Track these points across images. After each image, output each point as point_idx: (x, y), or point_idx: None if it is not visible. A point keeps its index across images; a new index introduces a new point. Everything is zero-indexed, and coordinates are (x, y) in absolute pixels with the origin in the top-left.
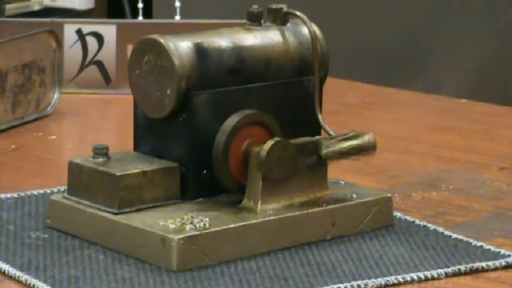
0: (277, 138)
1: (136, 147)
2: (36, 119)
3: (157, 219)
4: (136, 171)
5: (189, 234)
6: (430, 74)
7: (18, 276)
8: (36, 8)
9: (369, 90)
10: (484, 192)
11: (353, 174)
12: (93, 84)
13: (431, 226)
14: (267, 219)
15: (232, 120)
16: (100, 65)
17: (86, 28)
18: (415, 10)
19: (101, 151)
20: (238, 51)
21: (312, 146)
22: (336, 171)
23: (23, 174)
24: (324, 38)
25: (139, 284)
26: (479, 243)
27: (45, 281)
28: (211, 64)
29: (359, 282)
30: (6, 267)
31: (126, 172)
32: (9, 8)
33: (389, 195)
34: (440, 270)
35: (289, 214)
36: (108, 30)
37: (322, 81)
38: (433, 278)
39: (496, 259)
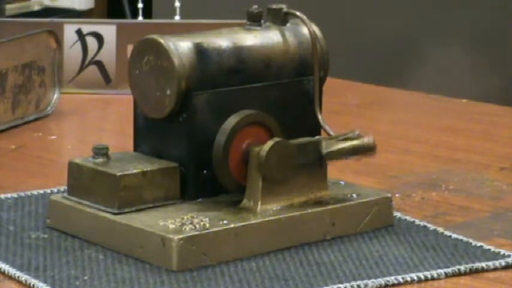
0: (277, 138)
1: (137, 147)
2: (36, 119)
3: (157, 219)
4: (136, 171)
5: (189, 235)
6: (429, 74)
7: (18, 276)
8: (36, 8)
9: (369, 90)
10: (484, 192)
11: (353, 174)
12: (93, 84)
13: (431, 226)
14: (267, 219)
15: (232, 120)
16: (100, 65)
17: (86, 28)
18: (415, 10)
19: (101, 151)
20: (238, 51)
21: (312, 146)
22: (336, 171)
23: (23, 174)
24: (324, 38)
25: (139, 284)
26: (479, 244)
27: (45, 281)
28: (211, 64)
29: (359, 282)
30: (6, 267)
31: (126, 172)
32: (9, 8)
33: (389, 195)
34: (440, 271)
35: (289, 214)
36: (108, 30)
37: (322, 81)
38: (433, 278)
39: (496, 259)
